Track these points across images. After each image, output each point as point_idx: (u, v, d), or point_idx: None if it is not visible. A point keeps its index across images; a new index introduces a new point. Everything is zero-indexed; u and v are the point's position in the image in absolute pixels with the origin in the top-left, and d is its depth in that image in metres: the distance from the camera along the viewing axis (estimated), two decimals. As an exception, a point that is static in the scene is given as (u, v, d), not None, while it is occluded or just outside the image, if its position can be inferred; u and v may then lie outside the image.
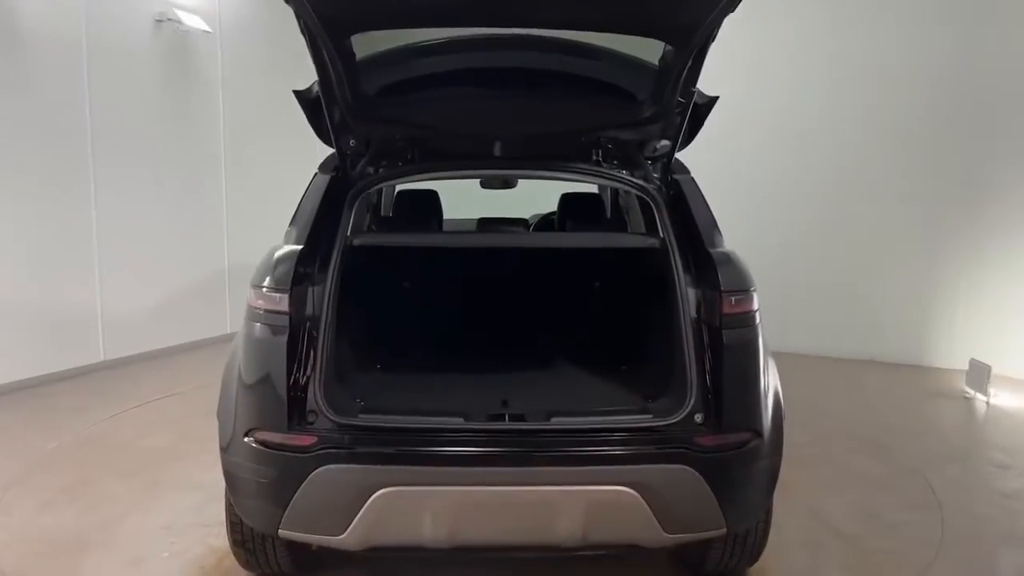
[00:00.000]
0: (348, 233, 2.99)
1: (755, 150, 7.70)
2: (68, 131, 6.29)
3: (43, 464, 4.58)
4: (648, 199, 3.13)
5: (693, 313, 2.83)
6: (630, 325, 3.53)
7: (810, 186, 7.60)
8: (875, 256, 7.40)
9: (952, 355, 7.01)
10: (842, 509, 4.13)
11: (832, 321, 7.57)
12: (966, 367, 6.40)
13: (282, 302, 2.68)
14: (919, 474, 4.60)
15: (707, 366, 2.76)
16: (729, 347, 2.71)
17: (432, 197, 4.02)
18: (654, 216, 3.15)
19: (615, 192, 4.84)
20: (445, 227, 4.24)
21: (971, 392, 6.23)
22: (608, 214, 4.41)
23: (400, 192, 4.43)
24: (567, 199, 4.10)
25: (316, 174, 3.13)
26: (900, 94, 7.09)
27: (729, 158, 7.31)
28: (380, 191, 4.75)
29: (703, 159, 3.59)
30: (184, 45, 7.37)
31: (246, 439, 2.69)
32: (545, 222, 5.01)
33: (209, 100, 7.68)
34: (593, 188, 5.07)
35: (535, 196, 5.27)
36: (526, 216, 5.60)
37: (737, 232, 3.17)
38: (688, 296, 2.84)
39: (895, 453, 4.98)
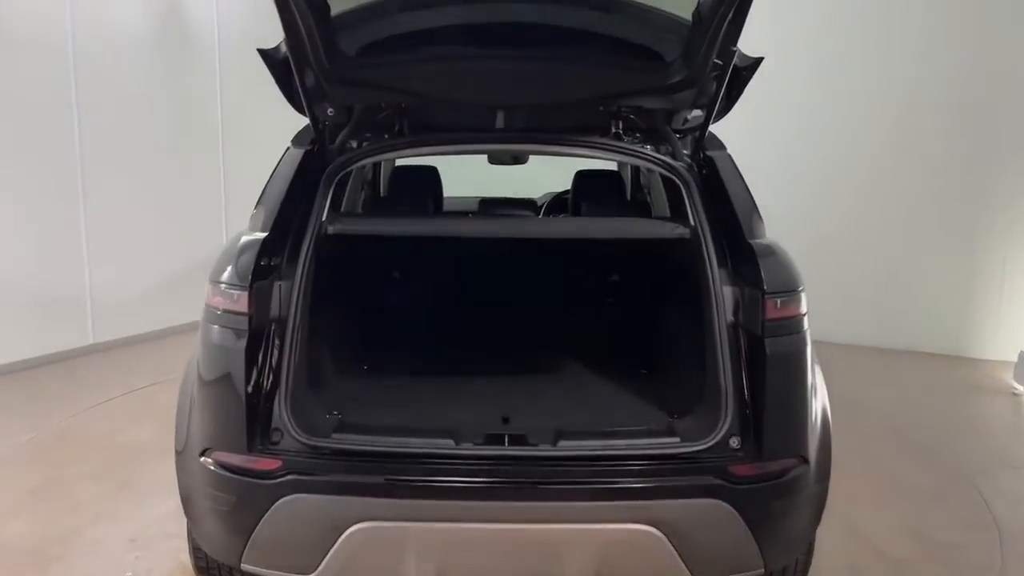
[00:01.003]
0: (323, 218, 2.56)
1: (783, 133, 7.18)
2: (53, 107, 5.90)
3: (14, 460, 4.26)
4: (676, 179, 2.67)
5: (729, 316, 2.38)
6: (652, 327, 3.09)
7: (842, 169, 7.12)
8: (911, 239, 6.91)
9: (995, 345, 6.54)
10: (886, 526, 3.70)
11: (865, 308, 7.09)
12: (1011, 358, 5.95)
13: (241, 300, 2.27)
14: (970, 484, 4.15)
15: (745, 380, 2.32)
16: (773, 358, 2.28)
17: (430, 174, 3.58)
18: (682, 198, 2.70)
19: (636, 170, 4.37)
20: (445, 206, 3.81)
21: (1020, 388, 5.75)
22: (628, 195, 3.94)
23: (397, 168, 3.99)
24: (582, 178, 3.64)
25: (288, 148, 2.69)
26: (938, 72, 6.57)
27: (756, 142, 6.78)
28: (377, 166, 4.31)
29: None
30: (178, 12, 6.92)
31: (202, 459, 2.31)
32: (557, 203, 4.55)
33: (206, 73, 7.24)
34: (612, 165, 4.60)
35: (549, 170, 4.83)
36: (536, 195, 5.15)
37: (766, 217, 2.73)
38: (724, 296, 2.39)
39: (942, 458, 4.53)
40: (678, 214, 3.52)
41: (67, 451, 4.42)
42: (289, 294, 2.39)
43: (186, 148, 7.16)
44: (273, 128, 3.24)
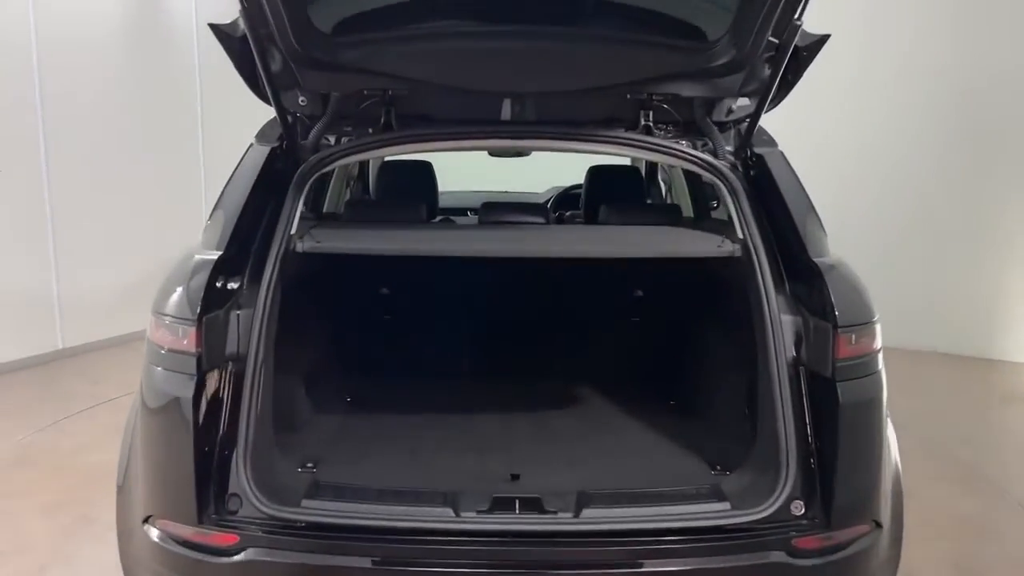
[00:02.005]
0: (292, 231, 2.11)
1: (805, 123, 6.73)
2: (12, 99, 5.43)
3: (-40, 488, 3.81)
4: (719, 182, 2.23)
5: (790, 352, 1.95)
6: (685, 354, 2.65)
7: (866, 164, 6.70)
8: (935, 236, 6.50)
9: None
10: (932, 566, 3.28)
11: (889, 307, 6.64)
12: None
13: (188, 337, 1.84)
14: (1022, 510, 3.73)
15: (810, 430, 1.90)
16: (847, 407, 1.87)
17: (424, 171, 3.13)
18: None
19: (652, 163, 3.92)
20: (441, 203, 3.36)
21: (1059, 395, 5.34)
22: (647, 191, 3.49)
23: (385, 164, 3.54)
24: (597, 174, 3.20)
25: (251, 145, 2.24)
26: (980, 66, 6.13)
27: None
28: (364, 162, 3.85)
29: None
30: (153, 2, 6.43)
31: (145, 527, 1.89)
32: (566, 199, 4.10)
33: (183, 65, 6.73)
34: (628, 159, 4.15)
35: (556, 162, 4.37)
36: (539, 188, 4.69)
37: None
38: (782, 327, 1.96)
39: (986, 477, 4.12)
40: (700, 211, 3.08)
41: (22, 477, 3.98)
42: (250, 325, 1.95)
43: (163, 144, 6.67)
44: (259, 123, 2.88)
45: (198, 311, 1.85)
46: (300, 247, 2.09)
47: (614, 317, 2.88)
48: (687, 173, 3.63)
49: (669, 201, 3.82)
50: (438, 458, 2.20)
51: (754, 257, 2.07)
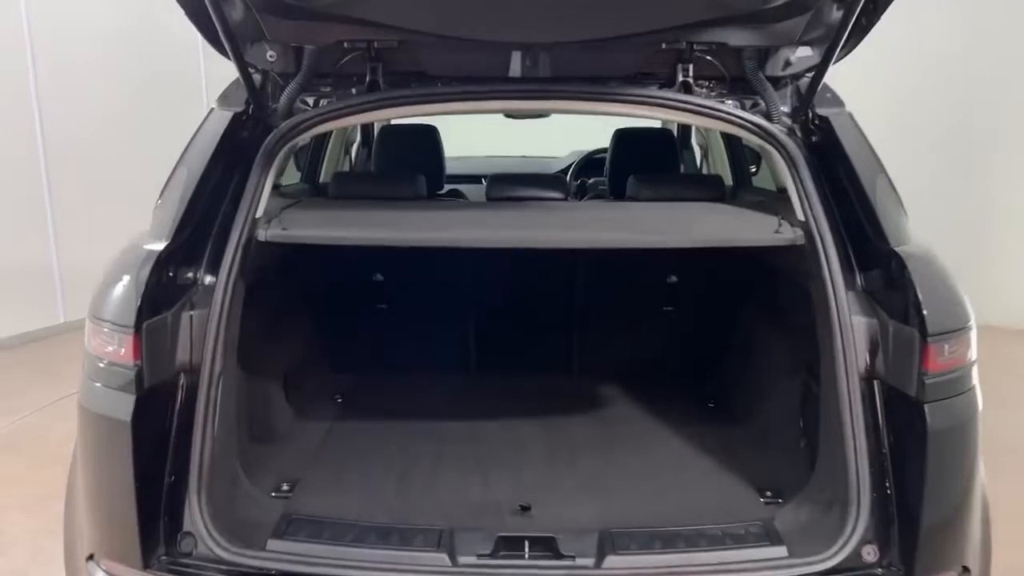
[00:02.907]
0: (257, 214, 1.77)
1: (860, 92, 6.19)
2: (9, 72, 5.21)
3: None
4: (776, 151, 1.83)
5: (862, 363, 1.59)
6: (730, 356, 2.29)
7: (921, 129, 6.16)
8: (985, 203, 5.96)
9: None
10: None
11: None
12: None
13: (125, 347, 1.51)
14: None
15: (888, 459, 1.55)
16: (936, 433, 1.50)
17: (427, 136, 2.77)
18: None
19: (685, 124, 3.51)
20: (451, 171, 3.00)
21: None
22: (681, 158, 3.09)
23: (385, 129, 3.17)
24: (624, 139, 2.80)
25: (212, 110, 1.88)
26: None
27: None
28: (368, 125, 3.48)
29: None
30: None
31: (89, 565, 1.63)
32: (590, 165, 3.70)
33: (188, 29, 6.35)
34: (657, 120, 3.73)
35: (577, 122, 3.96)
36: (559, 154, 4.27)
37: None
38: (854, 333, 1.59)
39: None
40: (739, 180, 2.67)
41: (8, 465, 3.74)
42: (205, 329, 1.62)
43: (166, 116, 6.32)
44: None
45: (135, 316, 1.51)
46: (263, 235, 1.74)
47: (643, 306, 2.50)
48: (726, 136, 3.22)
49: (704, 170, 3.40)
50: (434, 481, 1.87)
51: (819, 244, 1.69)
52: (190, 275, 1.68)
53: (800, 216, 1.78)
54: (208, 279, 1.69)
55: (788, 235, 1.76)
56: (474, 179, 3.46)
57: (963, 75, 5.76)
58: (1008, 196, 6.02)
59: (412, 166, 2.52)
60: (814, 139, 1.87)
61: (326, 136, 3.27)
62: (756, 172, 3.07)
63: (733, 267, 2.27)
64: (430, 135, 2.88)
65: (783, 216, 1.84)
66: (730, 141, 3.24)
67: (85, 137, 5.76)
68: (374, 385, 2.45)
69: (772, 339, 2.15)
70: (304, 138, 1.87)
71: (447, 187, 3.18)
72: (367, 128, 3.65)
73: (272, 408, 2.06)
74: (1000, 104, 5.90)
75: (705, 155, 3.41)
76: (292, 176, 3.16)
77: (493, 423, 2.18)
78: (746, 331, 2.32)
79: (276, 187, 2.45)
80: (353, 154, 3.76)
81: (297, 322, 2.29)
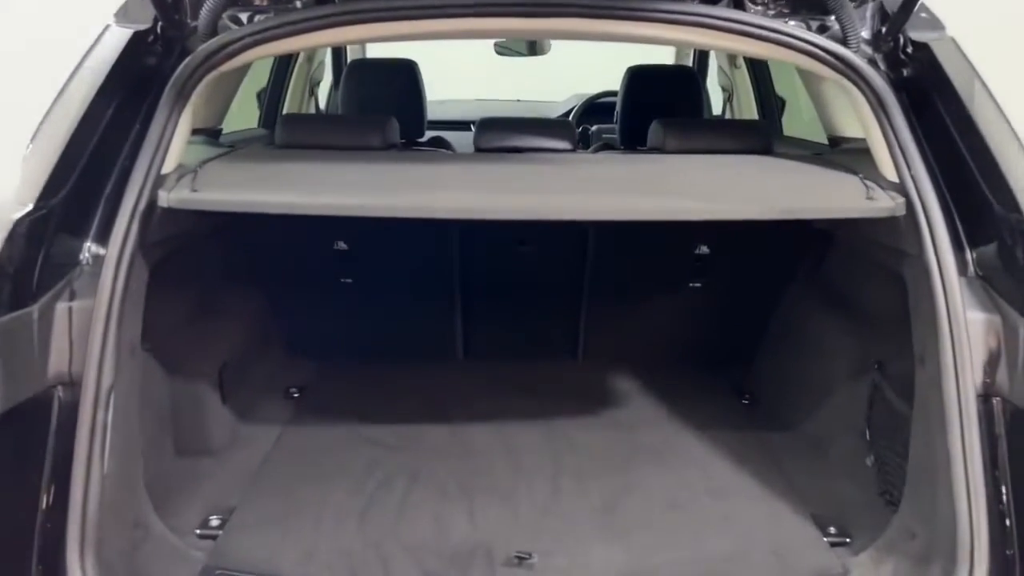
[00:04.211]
0: (166, 168, 1.32)
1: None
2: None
3: None
4: (856, 86, 1.39)
5: (979, 375, 1.18)
6: (773, 343, 1.89)
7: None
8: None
9: None
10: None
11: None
12: None
13: None
14: None
15: (1009, 504, 1.14)
16: None
17: (404, 74, 2.31)
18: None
19: (702, 60, 3.04)
20: (434, 116, 2.54)
21: None
22: (705, 100, 2.62)
23: (354, 66, 2.69)
24: (640, 79, 2.35)
25: (107, 27, 1.41)
26: None
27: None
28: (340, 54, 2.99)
29: None
30: None
31: None
32: (593, 111, 3.23)
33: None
34: (669, 54, 3.25)
35: (579, 59, 3.46)
36: (557, 98, 3.78)
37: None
38: (968, 332, 1.18)
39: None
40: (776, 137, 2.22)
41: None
42: (90, 324, 1.19)
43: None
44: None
45: None
46: (164, 200, 1.29)
47: (665, 281, 2.06)
48: (755, 77, 2.75)
49: (733, 111, 2.94)
50: (407, 513, 1.46)
51: (920, 214, 1.26)
52: (70, 253, 1.24)
53: (891, 176, 1.35)
54: (97, 257, 1.24)
55: (884, 203, 1.32)
56: (461, 125, 2.98)
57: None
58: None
59: (386, 109, 2.06)
60: (906, 72, 1.42)
61: (287, 71, 2.77)
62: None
63: (779, 235, 1.84)
64: (408, 72, 2.40)
65: (864, 176, 1.40)
66: (759, 84, 2.78)
67: None
68: (337, 377, 2.03)
69: (829, 327, 1.74)
70: (233, 66, 1.41)
71: (428, 135, 2.72)
72: (339, 63, 3.15)
73: (204, 413, 1.64)
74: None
75: (729, 99, 2.94)
76: (248, 121, 2.69)
77: (483, 429, 1.76)
78: (793, 315, 1.90)
79: (212, 133, 1.98)
80: (323, 98, 3.26)
81: (238, 301, 1.85)
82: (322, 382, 2.01)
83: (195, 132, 1.85)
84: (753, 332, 2.02)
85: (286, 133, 1.82)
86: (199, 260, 1.68)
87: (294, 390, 1.96)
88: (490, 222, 1.94)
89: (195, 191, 1.30)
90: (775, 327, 1.99)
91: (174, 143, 1.34)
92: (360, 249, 1.99)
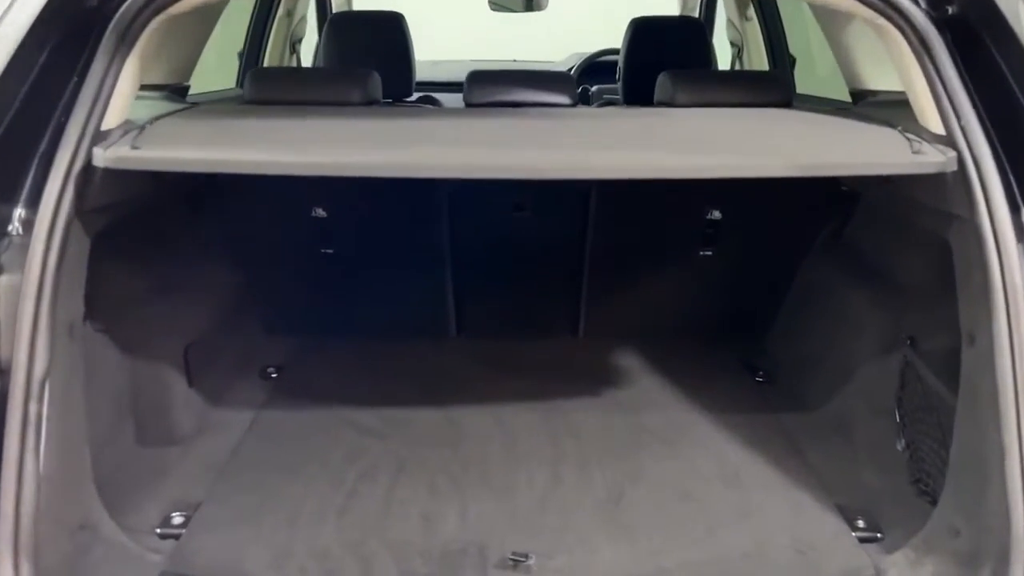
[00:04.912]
0: (108, 124, 1.16)
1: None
2: None
3: None
4: (897, 27, 1.22)
5: None
6: (791, 317, 1.75)
7: None
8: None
9: None
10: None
11: None
12: None
13: None
14: None
15: None
16: None
17: (390, 28, 2.14)
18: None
19: (708, 8, 2.86)
20: (419, 75, 2.38)
21: None
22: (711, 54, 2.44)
23: (336, 18, 2.51)
24: (643, 31, 2.18)
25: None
26: None
27: None
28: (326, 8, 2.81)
29: None
30: None
31: None
32: (592, 71, 3.06)
33: None
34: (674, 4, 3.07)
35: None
36: (555, 58, 3.59)
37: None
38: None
39: None
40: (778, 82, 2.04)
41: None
42: (17, 304, 1.04)
43: None
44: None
45: None
46: (100, 158, 1.12)
47: (673, 249, 1.90)
48: (767, 30, 2.57)
49: (742, 62, 2.76)
50: (391, 508, 1.32)
51: (971, 171, 1.10)
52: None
53: (936, 128, 1.19)
54: (28, 225, 1.09)
55: (933, 158, 1.16)
56: (453, 88, 2.80)
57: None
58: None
59: (371, 65, 1.88)
60: (951, 10, 1.25)
61: (266, 27, 2.59)
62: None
63: (799, 198, 1.67)
64: (395, 25, 2.23)
65: (903, 129, 1.24)
66: (771, 38, 2.60)
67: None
68: (318, 355, 1.88)
69: (855, 298, 1.58)
70: (182, 9, 1.23)
71: (416, 95, 2.54)
72: (323, 16, 2.96)
73: (168, 398, 1.49)
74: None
75: (739, 55, 2.75)
76: (226, 81, 2.51)
77: (476, 413, 1.62)
78: (814, 285, 1.75)
79: (177, 91, 1.81)
80: (306, 55, 3.07)
81: (206, 274, 1.70)
82: (302, 361, 1.87)
83: (154, 88, 1.69)
84: (768, 304, 1.87)
85: (254, 89, 1.65)
86: (158, 229, 1.52)
87: (271, 370, 1.82)
88: (483, 185, 1.77)
89: (136, 148, 1.13)
90: (793, 298, 1.84)
91: (117, 95, 1.17)
92: (340, 217, 1.83)
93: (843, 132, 1.36)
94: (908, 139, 1.19)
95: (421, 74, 2.50)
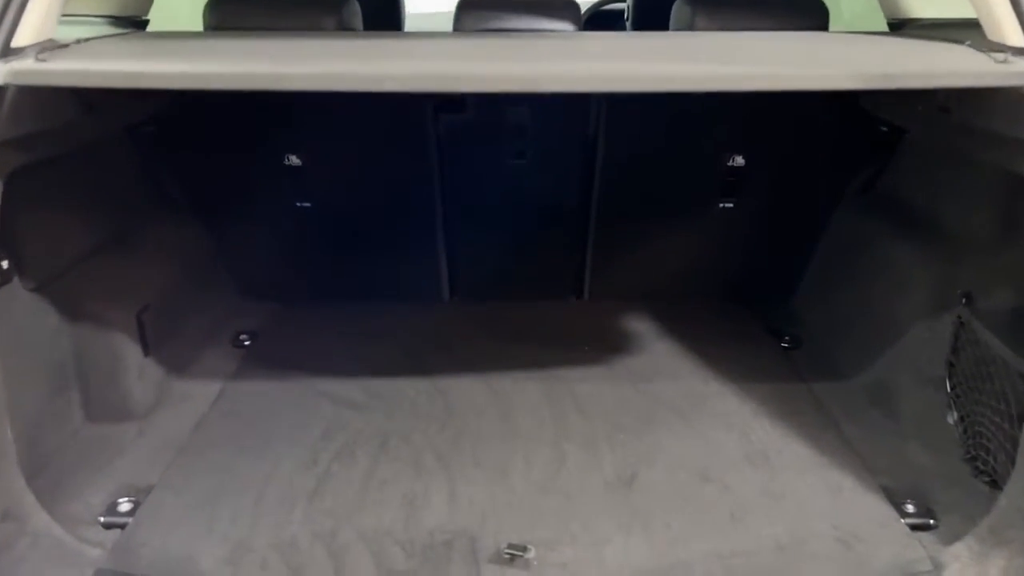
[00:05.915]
0: (13, 41, 0.97)
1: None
2: None
3: None
4: None
5: None
6: (823, 273, 1.58)
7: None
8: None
9: None
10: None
11: None
12: None
13: None
14: None
15: None
16: None
17: None
18: None
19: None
20: (408, 26, 2.19)
21: None
22: None
23: None
24: None
25: None
26: None
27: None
28: None
29: None
30: None
31: None
32: (599, 19, 2.85)
33: None
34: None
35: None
36: None
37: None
38: None
39: None
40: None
41: None
42: None
43: None
44: None
45: None
46: (3, 73, 0.94)
47: (692, 202, 1.71)
48: None
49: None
50: (370, 492, 1.15)
51: None
52: None
53: (1015, 41, 0.99)
54: None
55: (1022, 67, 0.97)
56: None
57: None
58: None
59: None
60: None
61: None
62: None
63: (830, 141, 1.48)
64: None
65: (971, 44, 1.04)
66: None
67: None
68: (296, 321, 1.71)
69: (898, 251, 1.40)
70: None
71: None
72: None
73: (120, 368, 1.33)
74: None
75: None
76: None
77: (470, 383, 1.44)
78: (849, 238, 1.56)
79: (133, 24, 1.62)
80: None
81: (165, 229, 1.52)
82: (277, 327, 1.69)
83: (106, 18, 1.50)
84: (795, 261, 1.69)
85: (215, 15, 1.46)
86: (101, 174, 1.34)
87: (244, 337, 1.65)
88: (478, 130, 1.58)
89: (42, 61, 0.94)
90: (823, 254, 1.65)
91: (33, 8, 0.99)
92: (316, 165, 1.64)
93: (904, 48, 1.16)
94: (984, 53, 1.00)
95: (412, 26, 2.30)
